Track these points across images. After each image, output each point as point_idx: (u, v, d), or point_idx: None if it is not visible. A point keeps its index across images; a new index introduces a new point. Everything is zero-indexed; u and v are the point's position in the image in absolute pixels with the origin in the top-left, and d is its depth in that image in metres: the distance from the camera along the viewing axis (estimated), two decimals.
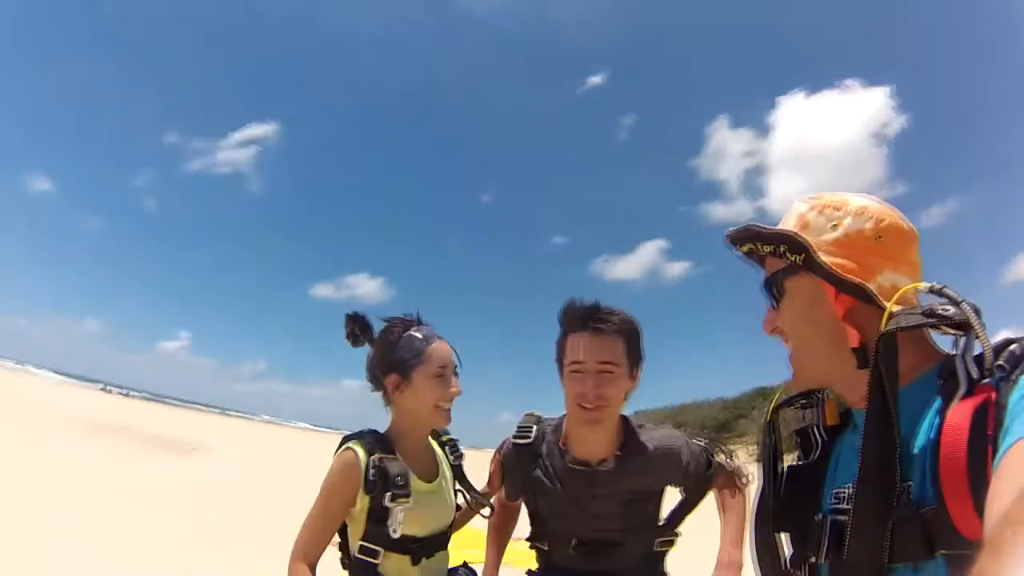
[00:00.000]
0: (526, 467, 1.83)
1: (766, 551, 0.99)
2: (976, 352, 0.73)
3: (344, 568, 1.67)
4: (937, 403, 0.75)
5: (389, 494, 1.56)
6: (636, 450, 1.75)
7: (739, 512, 1.85)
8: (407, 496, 1.59)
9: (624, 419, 1.79)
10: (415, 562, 1.63)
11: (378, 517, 1.58)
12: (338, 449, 1.66)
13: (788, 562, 0.96)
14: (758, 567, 1.01)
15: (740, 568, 1.72)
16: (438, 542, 1.71)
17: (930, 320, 0.76)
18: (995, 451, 0.63)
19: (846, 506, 0.81)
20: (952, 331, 0.76)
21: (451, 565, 1.79)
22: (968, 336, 0.73)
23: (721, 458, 1.86)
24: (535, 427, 1.86)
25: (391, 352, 1.71)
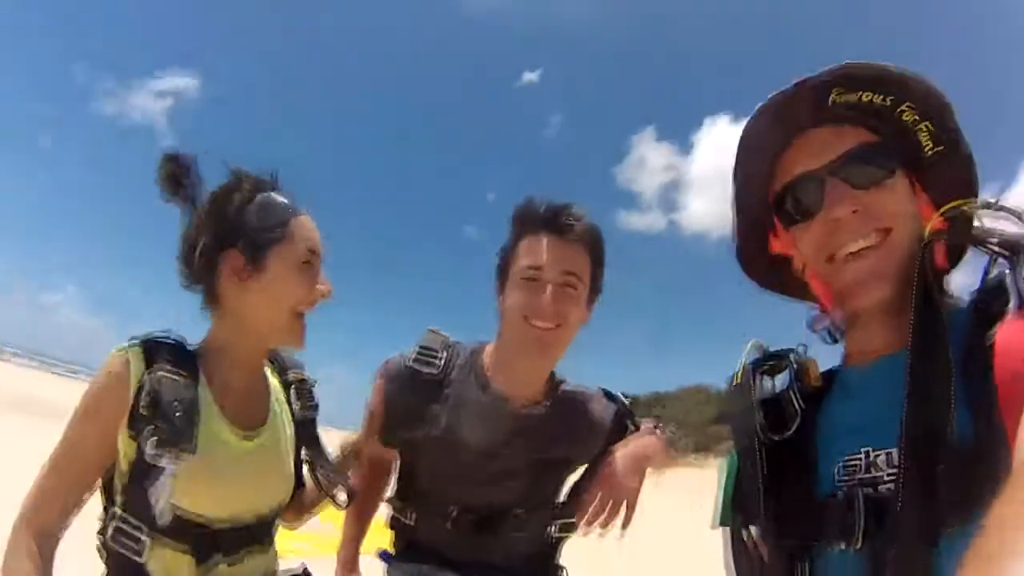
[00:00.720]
0: (420, 401, 1.41)
1: (742, 547, 0.85)
2: None
3: (100, 558, 1.10)
4: (973, 331, 0.67)
5: (155, 438, 1.00)
6: (567, 400, 1.49)
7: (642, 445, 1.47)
8: (186, 446, 1.02)
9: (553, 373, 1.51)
10: (202, 560, 1.07)
11: (141, 476, 1.03)
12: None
13: (770, 556, 0.81)
14: (733, 567, 0.88)
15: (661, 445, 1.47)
16: (251, 534, 1.16)
17: (977, 236, 0.72)
18: None
19: (876, 474, 0.71)
20: (1000, 250, 0.69)
21: (284, 566, 1.28)
22: (1020, 256, 0.67)
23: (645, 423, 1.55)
24: (443, 352, 1.46)
25: (237, 216, 1.13)
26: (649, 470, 1.42)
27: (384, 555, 1.51)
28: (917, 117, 0.76)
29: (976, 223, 0.71)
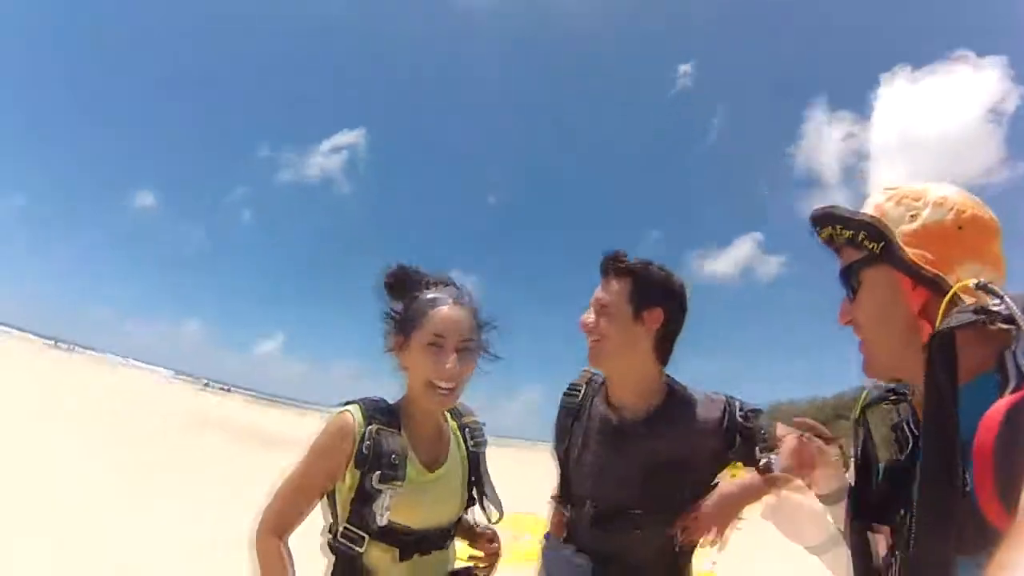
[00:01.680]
0: (568, 424, 1.78)
1: (859, 548, 0.98)
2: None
3: (330, 553, 1.44)
4: (995, 400, 0.72)
5: (378, 474, 1.35)
6: (676, 403, 1.69)
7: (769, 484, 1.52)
8: (399, 480, 1.37)
9: (668, 376, 1.74)
10: (404, 557, 1.41)
11: (364, 498, 1.36)
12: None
13: (883, 558, 0.95)
14: (852, 564, 0.99)
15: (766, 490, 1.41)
16: (436, 540, 1.48)
17: (980, 317, 0.75)
18: None
19: None
20: (1006, 327, 0.74)
21: (457, 566, 1.58)
22: (1020, 332, 0.72)
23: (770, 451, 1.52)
24: (585, 385, 1.81)
25: (400, 307, 1.51)
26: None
27: (546, 536, 1.80)
28: (854, 235, 0.93)
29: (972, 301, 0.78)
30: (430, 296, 1.48)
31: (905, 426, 0.96)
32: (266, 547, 1.36)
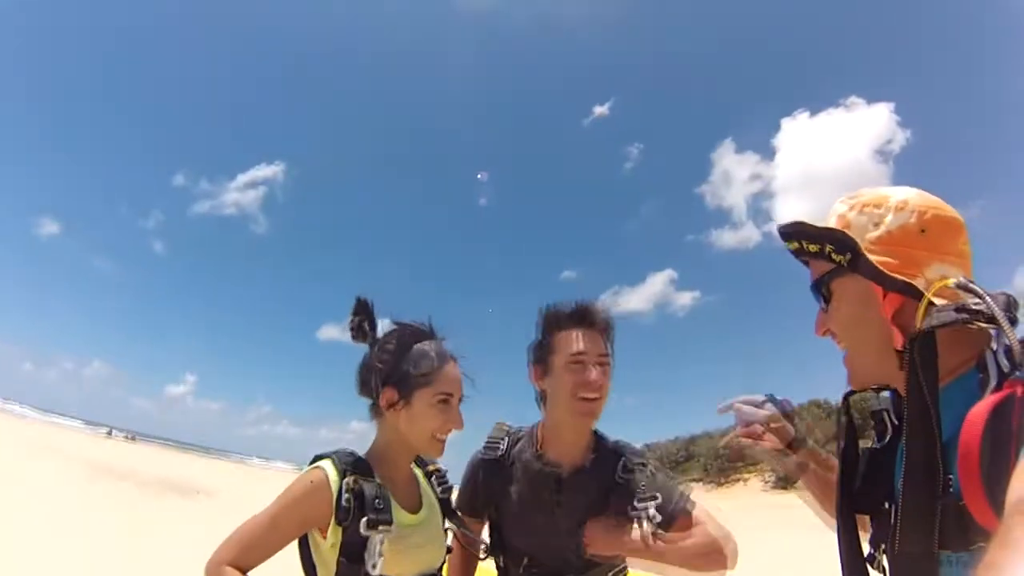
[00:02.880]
0: (492, 481, 1.76)
1: (846, 533, 0.99)
2: (1006, 345, 0.73)
3: None
4: (977, 399, 0.74)
5: (365, 519, 1.31)
6: (604, 454, 1.71)
7: (708, 548, 1.58)
8: (388, 523, 1.34)
9: (595, 431, 1.76)
10: None
11: (353, 552, 1.32)
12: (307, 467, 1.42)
13: (869, 543, 0.97)
14: (840, 549, 1.00)
15: (716, 544, 1.52)
16: None
17: (961, 316, 0.76)
18: (1020, 446, 0.64)
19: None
20: (986, 326, 0.76)
21: None
22: (1000, 331, 0.74)
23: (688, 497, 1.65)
24: (506, 438, 1.81)
25: (396, 361, 1.47)
26: None
27: None
28: (821, 248, 0.95)
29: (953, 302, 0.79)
30: (434, 351, 1.49)
31: (885, 415, 1.00)
32: (220, 573, 1.28)
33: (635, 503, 1.59)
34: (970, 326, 0.77)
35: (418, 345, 1.49)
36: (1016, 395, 0.68)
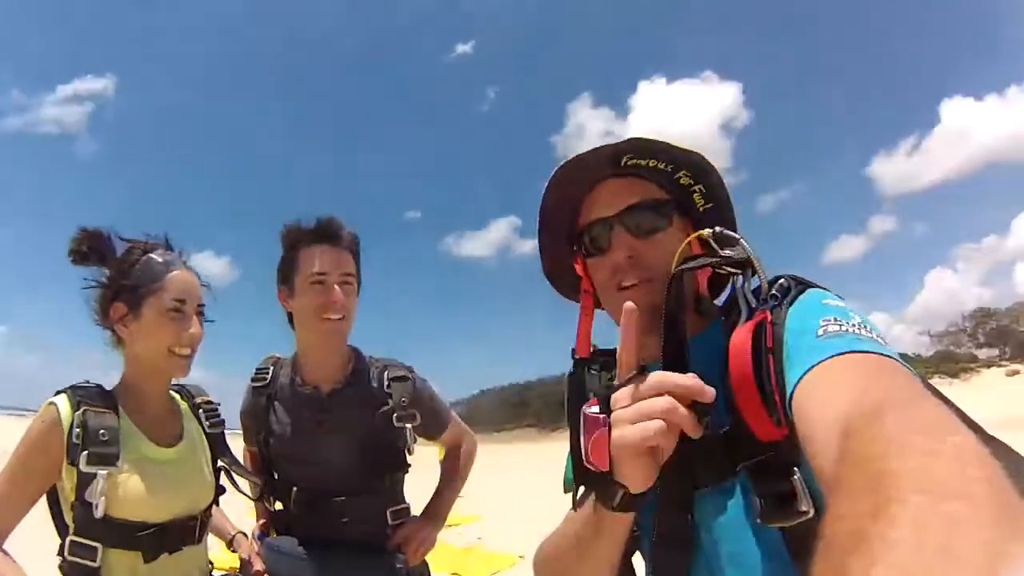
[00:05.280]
0: (259, 410, 1.71)
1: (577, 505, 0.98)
2: (753, 287, 0.80)
3: None
4: (721, 336, 0.79)
5: (86, 454, 1.21)
6: (366, 370, 1.72)
7: (463, 476, 1.90)
8: (113, 457, 1.23)
9: (354, 348, 1.76)
10: (149, 558, 1.27)
11: (81, 495, 1.22)
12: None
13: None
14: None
15: (442, 524, 1.76)
16: (185, 531, 1.35)
17: (713, 260, 0.81)
18: (776, 361, 0.69)
19: None
20: (733, 270, 0.81)
21: (219, 572, 1.51)
22: (746, 272, 0.79)
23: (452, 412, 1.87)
24: (272, 367, 1.76)
25: (122, 275, 1.38)
26: None
27: (260, 535, 1.72)
28: (691, 181, 0.90)
29: (714, 249, 0.81)
30: (159, 260, 1.39)
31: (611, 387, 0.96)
32: None
33: (394, 420, 1.64)
34: (720, 271, 0.84)
35: (146, 256, 1.40)
36: (767, 319, 0.73)
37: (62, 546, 1.25)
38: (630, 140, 0.86)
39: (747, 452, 0.74)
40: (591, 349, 0.98)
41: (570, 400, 0.92)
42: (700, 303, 0.91)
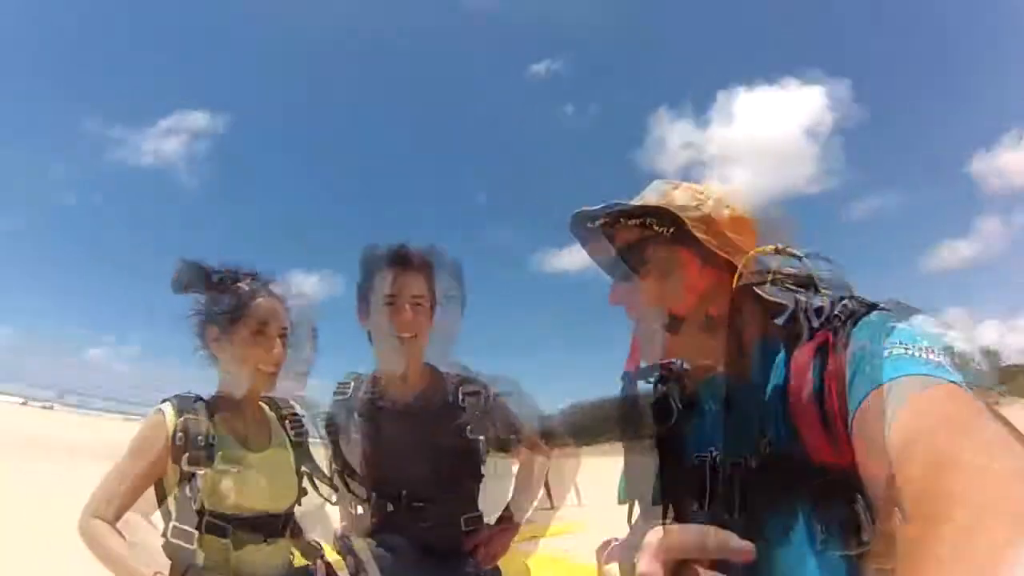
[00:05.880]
0: (343, 422, 1.81)
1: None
2: (816, 306, 0.78)
3: (166, 556, 1.44)
4: (782, 355, 0.79)
5: (187, 455, 1.41)
6: (442, 386, 1.81)
7: (533, 489, 1.91)
8: (209, 459, 1.43)
9: (430, 365, 1.85)
10: (237, 546, 1.44)
11: (185, 489, 1.42)
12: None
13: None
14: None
15: (514, 532, 1.82)
16: (269, 526, 1.52)
17: (776, 276, 0.82)
18: (839, 384, 0.69)
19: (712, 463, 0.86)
20: (795, 288, 0.81)
21: (300, 563, 1.62)
22: (809, 291, 0.79)
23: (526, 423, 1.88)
24: (353, 383, 1.87)
25: (213, 303, 1.58)
26: None
27: (341, 536, 1.79)
28: (643, 221, 0.94)
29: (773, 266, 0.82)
30: (247, 288, 1.57)
31: (672, 400, 0.99)
32: (89, 525, 1.37)
33: (467, 432, 1.73)
34: (781, 287, 0.82)
35: (235, 284, 1.58)
36: (829, 341, 0.72)
37: (165, 529, 1.44)
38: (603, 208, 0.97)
39: (807, 475, 0.73)
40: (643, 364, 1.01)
41: (621, 418, 1.01)
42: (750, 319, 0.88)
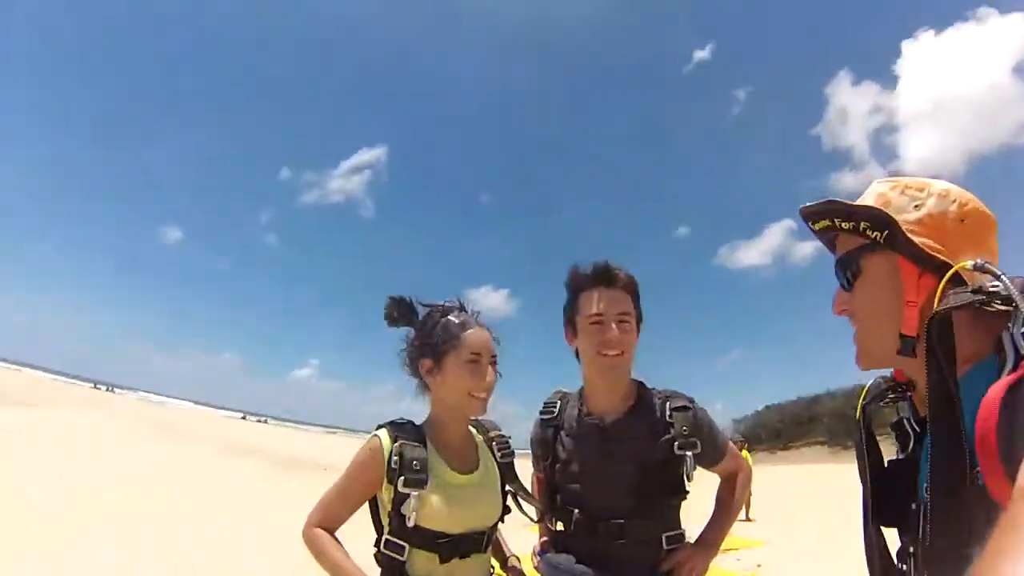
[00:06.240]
0: (550, 440, 1.84)
1: (872, 547, 0.96)
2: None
3: (376, 565, 1.55)
4: (994, 381, 0.70)
5: (403, 479, 1.49)
6: (649, 401, 1.79)
7: (738, 505, 1.92)
8: (423, 482, 1.50)
9: (636, 381, 1.83)
10: (444, 560, 1.52)
11: (399, 506, 1.50)
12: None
13: (897, 556, 0.93)
14: (869, 565, 0.98)
15: (715, 552, 1.80)
16: (474, 542, 1.58)
17: (979, 297, 0.73)
18: None
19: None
20: (1002, 307, 0.72)
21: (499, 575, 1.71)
22: (1018, 311, 0.70)
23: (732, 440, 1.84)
24: (558, 400, 1.89)
25: (426, 336, 1.65)
26: None
27: (539, 552, 1.85)
28: (855, 225, 0.91)
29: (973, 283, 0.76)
30: (458, 320, 1.64)
31: (906, 423, 0.96)
32: (313, 534, 1.52)
33: (675, 448, 1.70)
34: (987, 308, 0.73)
35: (444, 318, 1.65)
36: None
37: (378, 541, 1.55)
38: (804, 209, 0.97)
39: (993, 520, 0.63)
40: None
41: (860, 438, 0.99)
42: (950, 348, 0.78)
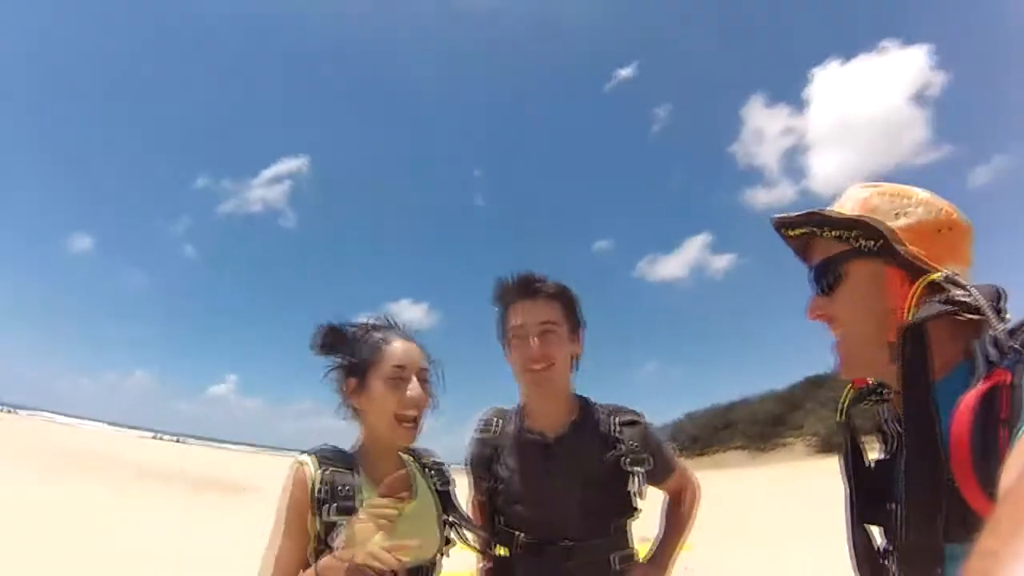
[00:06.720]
0: (488, 459, 1.76)
1: (858, 546, 0.98)
2: (992, 338, 0.74)
3: None
4: (967, 388, 0.75)
5: (332, 506, 1.37)
6: (593, 416, 1.73)
7: (686, 523, 1.83)
8: (352, 509, 1.38)
9: (580, 396, 1.78)
10: None
11: (326, 539, 1.36)
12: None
13: (880, 554, 0.96)
14: (853, 562, 1.00)
15: (667, 572, 1.73)
16: None
17: (947, 308, 0.77)
18: (1010, 432, 0.64)
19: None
20: (972, 317, 0.76)
21: None
22: (987, 322, 0.75)
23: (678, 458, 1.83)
24: (496, 418, 1.82)
25: (352, 354, 1.53)
26: None
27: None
28: (842, 234, 0.92)
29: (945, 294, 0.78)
30: (379, 335, 1.53)
31: (886, 424, 0.98)
32: None
33: (626, 462, 1.65)
34: (958, 317, 0.77)
35: (366, 335, 1.55)
36: (1003, 383, 0.68)
37: None
38: (776, 219, 1.00)
39: (966, 521, 0.69)
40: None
41: (844, 440, 0.99)
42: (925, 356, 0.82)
